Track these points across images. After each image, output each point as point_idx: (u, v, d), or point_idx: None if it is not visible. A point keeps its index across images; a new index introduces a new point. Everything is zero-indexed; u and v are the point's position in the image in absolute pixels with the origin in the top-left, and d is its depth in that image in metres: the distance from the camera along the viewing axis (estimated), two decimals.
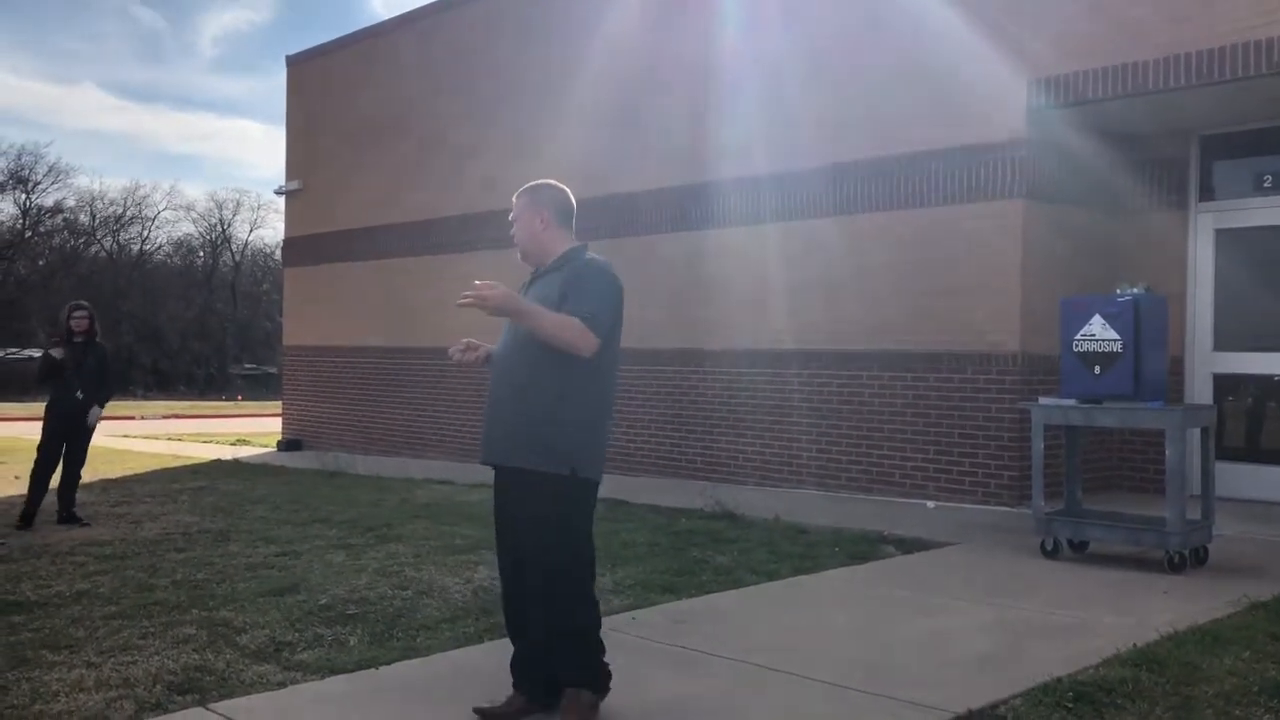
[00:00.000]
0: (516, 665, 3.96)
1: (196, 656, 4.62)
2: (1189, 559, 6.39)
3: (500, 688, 4.02)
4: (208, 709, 3.94)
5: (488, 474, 4.08)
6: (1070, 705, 3.87)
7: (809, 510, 8.71)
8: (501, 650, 4.53)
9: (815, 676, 4.29)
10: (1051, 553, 6.80)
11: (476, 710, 3.87)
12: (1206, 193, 9.54)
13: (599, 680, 3.81)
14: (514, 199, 4.05)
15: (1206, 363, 9.41)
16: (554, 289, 3.80)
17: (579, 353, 3.71)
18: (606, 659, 3.86)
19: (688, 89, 11.27)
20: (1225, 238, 9.39)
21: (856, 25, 10.09)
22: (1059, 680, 4.14)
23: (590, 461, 3.81)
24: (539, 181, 4.08)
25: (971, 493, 9.09)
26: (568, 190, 4.05)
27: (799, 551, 7.04)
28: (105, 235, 58.64)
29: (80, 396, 8.52)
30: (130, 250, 59.68)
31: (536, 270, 4.01)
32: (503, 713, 3.86)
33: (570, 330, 3.69)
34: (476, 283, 3.63)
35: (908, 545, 7.29)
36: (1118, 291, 6.72)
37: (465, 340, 4.05)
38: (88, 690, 4.16)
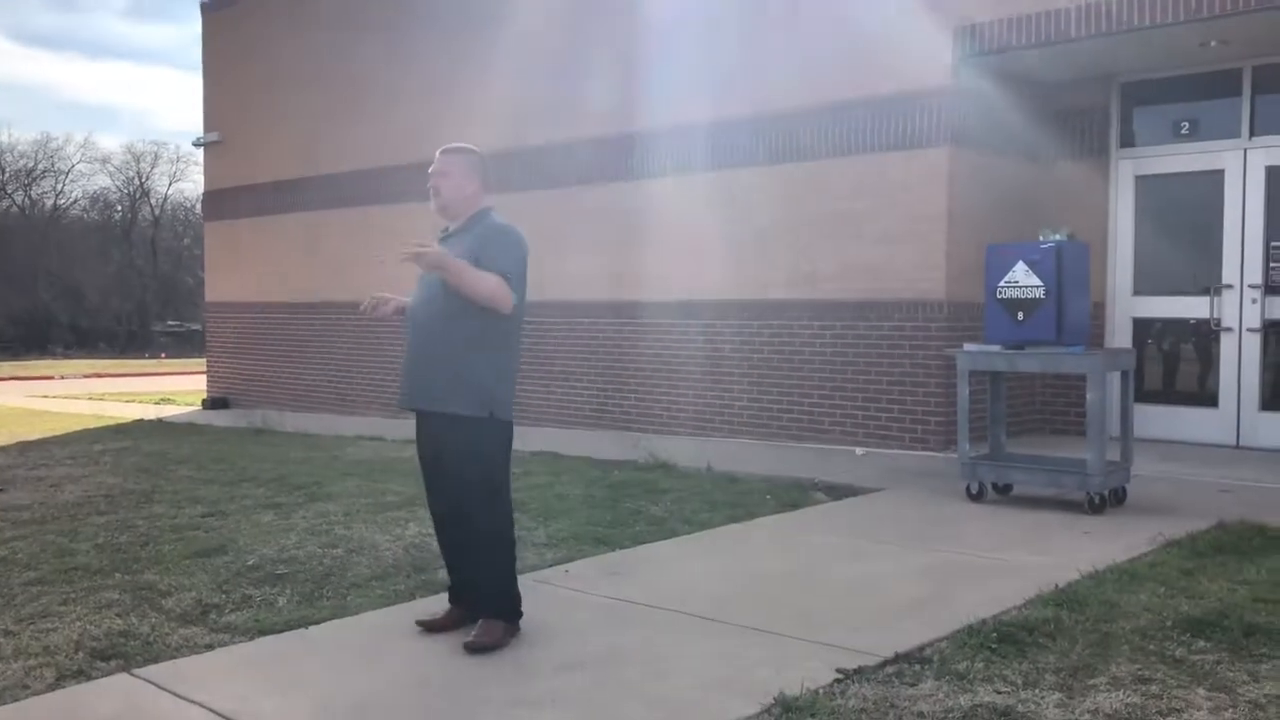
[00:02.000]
0: (453, 589, 4.40)
1: (120, 621, 4.53)
2: (1109, 500, 6.56)
3: (431, 644, 4.01)
4: (132, 674, 3.87)
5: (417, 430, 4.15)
6: (994, 646, 3.96)
7: (741, 459, 8.77)
8: (434, 607, 4.53)
9: (746, 624, 4.33)
10: (976, 496, 6.94)
11: (419, 622, 4.31)
12: (1126, 140, 9.69)
13: (513, 611, 4.21)
14: (440, 155, 4.36)
15: (1126, 307, 9.62)
16: (464, 247, 4.15)
17: (498, 308, 4.11)
18: (533, 608, 4.30)
19: (615, 35, 11.13)
20: (1144, 184, 9.57)
21: None
22: (984, 621, 4.23)
23: (505, 403, 4.23)
24: (468, 146, 4.42)
25: (899, 439, 9.22)
26: None
27: (731, 500, 7.09)
28: (16, 189, 56.66)
29: None
30: (44, 205, 57.76)
31: (447, 228, 4.37)
32: (442, 624, 4.28)
33: (492, 286, 4.08)
34: (412, 242, 4.04)
35: (837, 492, 7.39)
36: (1040, 239, 6.82)
37: (374, 295, 4.45)
38: (5, 659, 4.06)
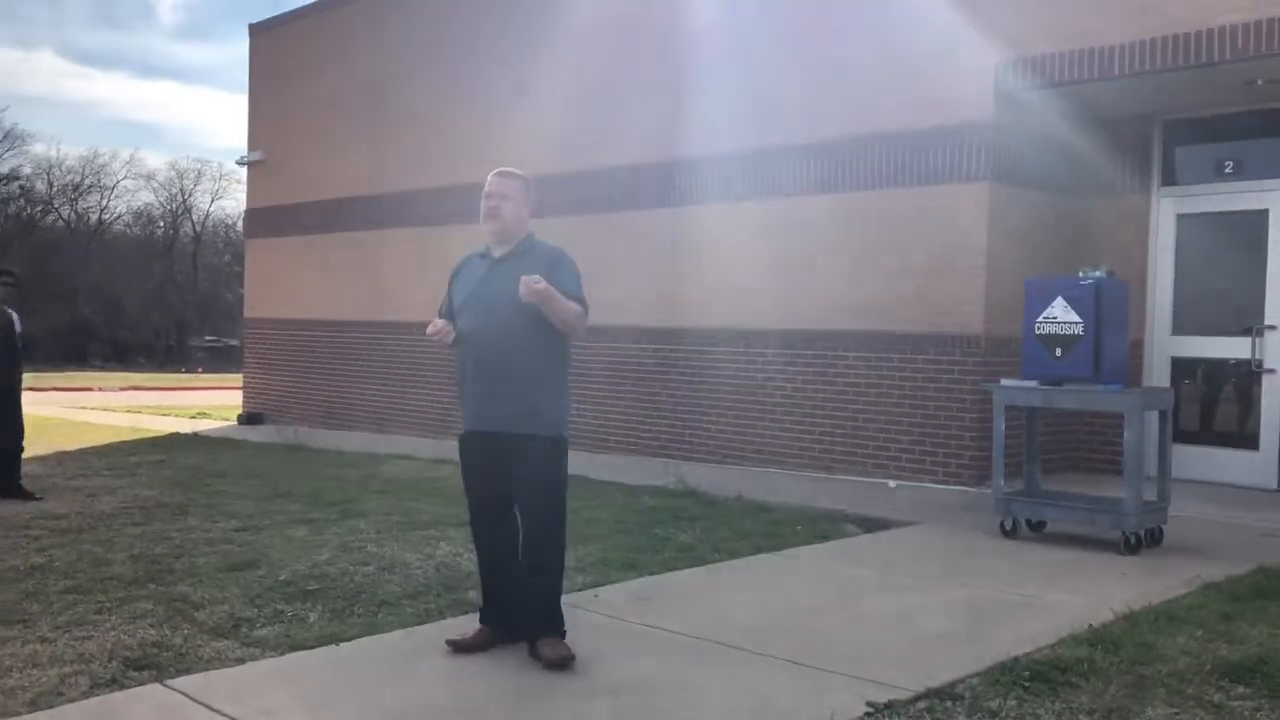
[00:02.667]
0: (489, 612, 4.42)
1: (153, 632, 4.57)
2: (1144, 540, 6.48)
3: (460, 663, 4.02)
4: (164, 685, 3.90)
5: (450, 449, 4.22)
6: (1027, 684, 3.92)
7: (772, 489, 8.74)
8: (463, 627, 4.53)
9: (777, 655, 4.31)
10: (1010, 532, 6.87)
11: (449, 642, 4.31)
12: (1168, 178, 9.62)
13: (563, 626, 4.28)
14: (497, 178, 4.42)
15: (1165, 346, 9.52)
16: (539, 270, 4.15)
17: (576, 335, 4.35)
18: (569, 635, 4.28)
19: (663, 65, 11.19)
20: (1186, 222, 9.49)
21: (832, 2, 10.07)
22: (1016, 659, 4.19)
23: (568, 424, 4.43)
24: (519, 171, 4.50)
25: (933, 472, 9.16)
26: None
27: (762, 530, 7.06)
28: (63, 204, 57.65)
29: None
30: (89, 219, 58.70)
31: (492, 251, 4.42)
32: (473, 644, 4.30)
33: (579, 314, 4.29)
34: (527, 277, 4.05)
35: (870, 524, 7.34)
36: (1080, 274, 6.78)
37: (438, 321, 4.37)
38: (42, 665, 4.11)
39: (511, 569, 4.37)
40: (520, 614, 4.29)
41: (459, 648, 4.29)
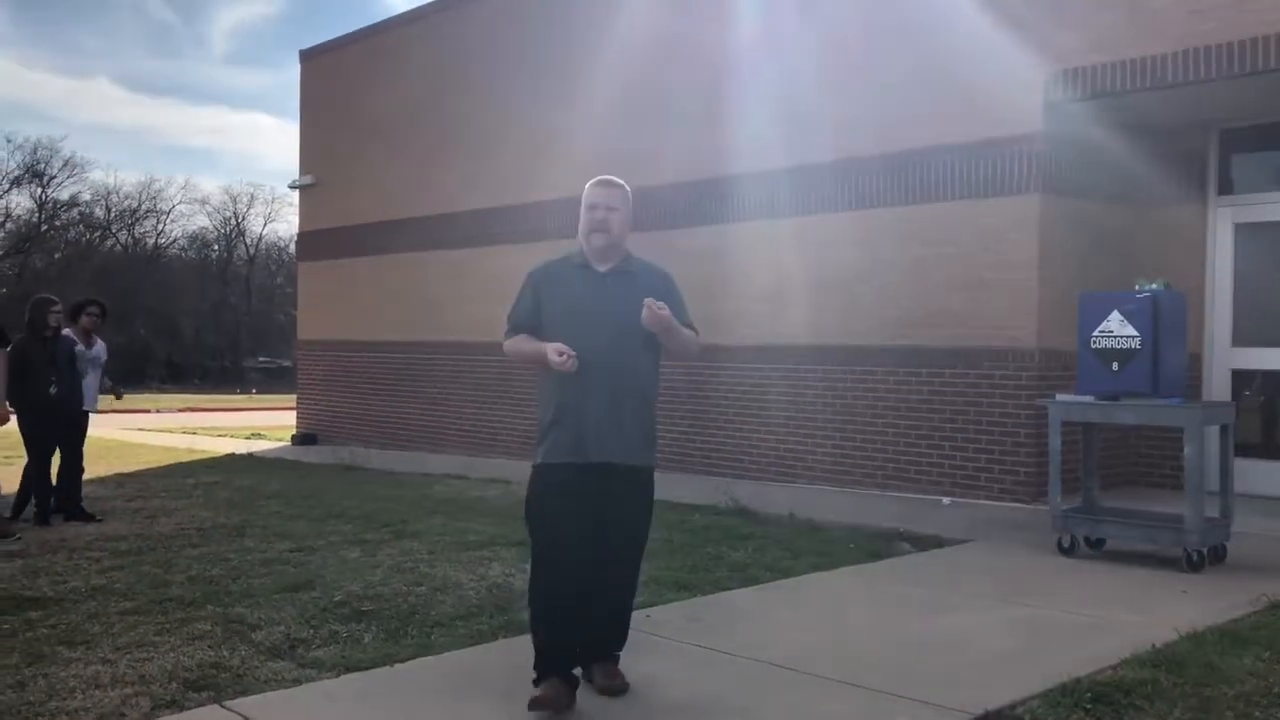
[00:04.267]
0: (564, 654, 3.93)
1: (211, 653, 4.62)
2: (1207, 557, 6.34)
3: (514, 685, 4.01)
4: (223, 706, 3.94)
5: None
6: (1089, 706, 3.84)
7: (824, 506, 8.68)
8: (516, 648, 4.53)
9: (831, 675, 4.27)
10: (1068, 550, 6.76)
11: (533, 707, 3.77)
12: (1225, 187, 9.46)
13: (619, 650, 4.20)
14: (603, 189, 4.14)
15: (1225, 358, 9.34)
16: (654, 293, 4.00)
17: (689, 359, 4.33)
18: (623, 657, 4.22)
19: (703, 83, 11.22)
20: (1245, 232, 9.32)
21: (873, 17, 10.03)
22: (1078, 681, 4.11)
23: None
24: (620, 180, 4.22)
25: (987, 489, 9.04)
26: None
27: (814, 548, 7.01)
28: (120, 229, 58.86)
29: (53, 392, 8.28)
30: (145, 244, 59.87)
31: (594, 264, 4.13)
32: (565, 702, 3.83)
33: (694, 343, 4.23)
34: (653, 302, 3.90)
35: (923, 542, 7.26)
36: (1136, 287, 6.67)
37: (558, 347, 3.92)
38: (103, 687, 4.17)
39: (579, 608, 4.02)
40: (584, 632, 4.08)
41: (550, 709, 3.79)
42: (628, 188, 4.17)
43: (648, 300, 3.91)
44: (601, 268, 4.11)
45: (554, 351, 3.89)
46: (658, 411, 4.27)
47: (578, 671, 4.03)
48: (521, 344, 4.11)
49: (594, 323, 4.00)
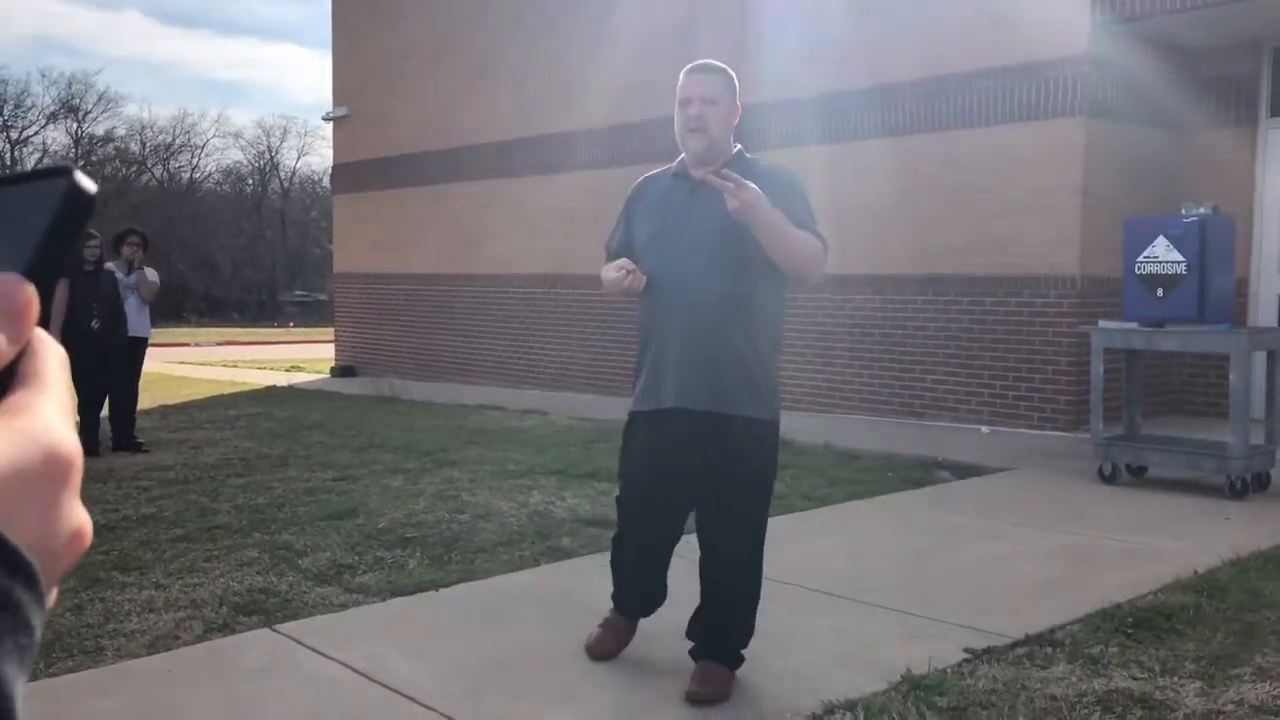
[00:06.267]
0: (626, 600, 3.70)
1: (260, 579, 4.71)
2: (1251, 484, 6.29)
3: (556, 609, 4.07)
4: (274, 629, 4.03)
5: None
6: (1130, 630, 3.85)
7: (861, 436, 8.67)
8: (558, 573, 4.59)
9: (872, 601, 4.29)
10: (1109, 478, 6.73)
11: (588, 651, 3.68)
12: (1278, 109, 9.21)
13: (741, 656, 3.43)
14: (699, 76, 3.34)
15: (1272, 284, 9.18)
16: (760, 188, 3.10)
17: (808, 279, 3.31)
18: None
19: (733, 8, 11.02)
20: None
21: None
22: (1118, 606, 4.11)
23: (778, 402, 3.45)
24: (722, 64, 3.40)
25: (1027, 418, 8.99)
26: None
27: (851, 478, 7.02)
28: (156, 164, 59.09)
29: (96, 325, 8.31)
30: (180, 179, 60.12)
31: (692, 172, 3.37)
32: (615, 647, 3.68)
33: (814, 252, 3.23)
34: (730, 174, 3.04)
35: (963, 471, 7.25)
36: (1183, 212, 6.55)
37: (625, 266, 3.30)
38: (157, 611, 4.27)
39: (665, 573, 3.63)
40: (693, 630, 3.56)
41: (597, 656, 3.65)
42: (731, 72, 3.36)
43: (725, 170, 3.08)
44: (700, 174, 3.30)
45: (615, 268, 3.32)
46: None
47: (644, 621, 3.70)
48: (605, 272, 3.45)
49: (680, 243, 3.30)
